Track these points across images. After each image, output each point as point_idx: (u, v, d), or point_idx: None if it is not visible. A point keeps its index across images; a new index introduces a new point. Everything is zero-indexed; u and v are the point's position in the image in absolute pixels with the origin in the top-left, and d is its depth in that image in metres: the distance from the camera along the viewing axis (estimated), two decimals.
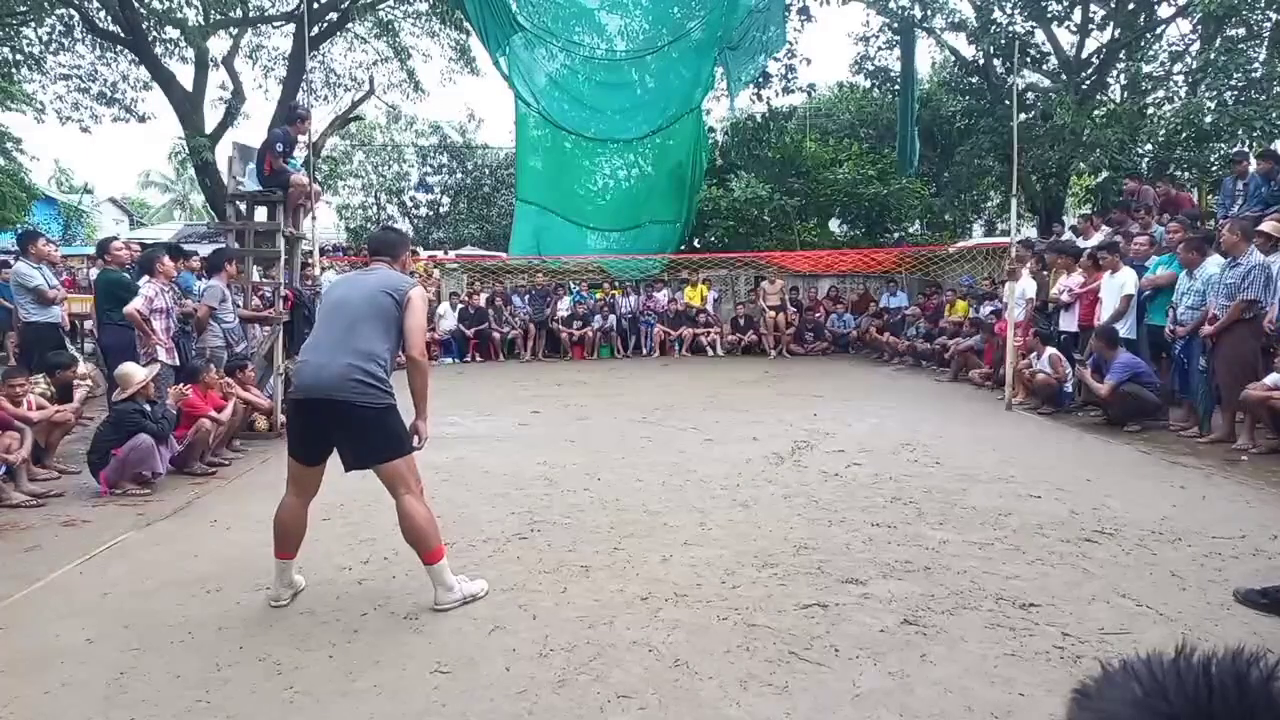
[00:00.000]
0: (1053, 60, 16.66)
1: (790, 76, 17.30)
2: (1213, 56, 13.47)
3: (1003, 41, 15.09)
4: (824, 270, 15.91)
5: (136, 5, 14.82)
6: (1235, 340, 6.06)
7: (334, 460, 3.35)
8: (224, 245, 8.30)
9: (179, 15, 15.38)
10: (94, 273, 9.01)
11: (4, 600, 3.49)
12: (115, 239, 7.90)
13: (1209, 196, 13.85)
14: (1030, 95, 16.60)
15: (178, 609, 3.37)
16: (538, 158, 15.71)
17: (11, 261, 8.52)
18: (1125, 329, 7.34)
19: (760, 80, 16.92)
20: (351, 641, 3.04)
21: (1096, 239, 9.64)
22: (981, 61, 16.65)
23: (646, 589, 3.47)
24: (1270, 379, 5.66)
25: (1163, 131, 14.38)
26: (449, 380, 10.95)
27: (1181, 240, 6.96)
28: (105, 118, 17.84)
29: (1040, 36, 16.35)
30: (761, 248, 16.68)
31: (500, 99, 33.46)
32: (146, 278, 6.53)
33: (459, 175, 23.82)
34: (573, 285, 15.26)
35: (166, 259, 6.56)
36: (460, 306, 14.26)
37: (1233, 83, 13.48)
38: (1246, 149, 11.77)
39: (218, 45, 17.44)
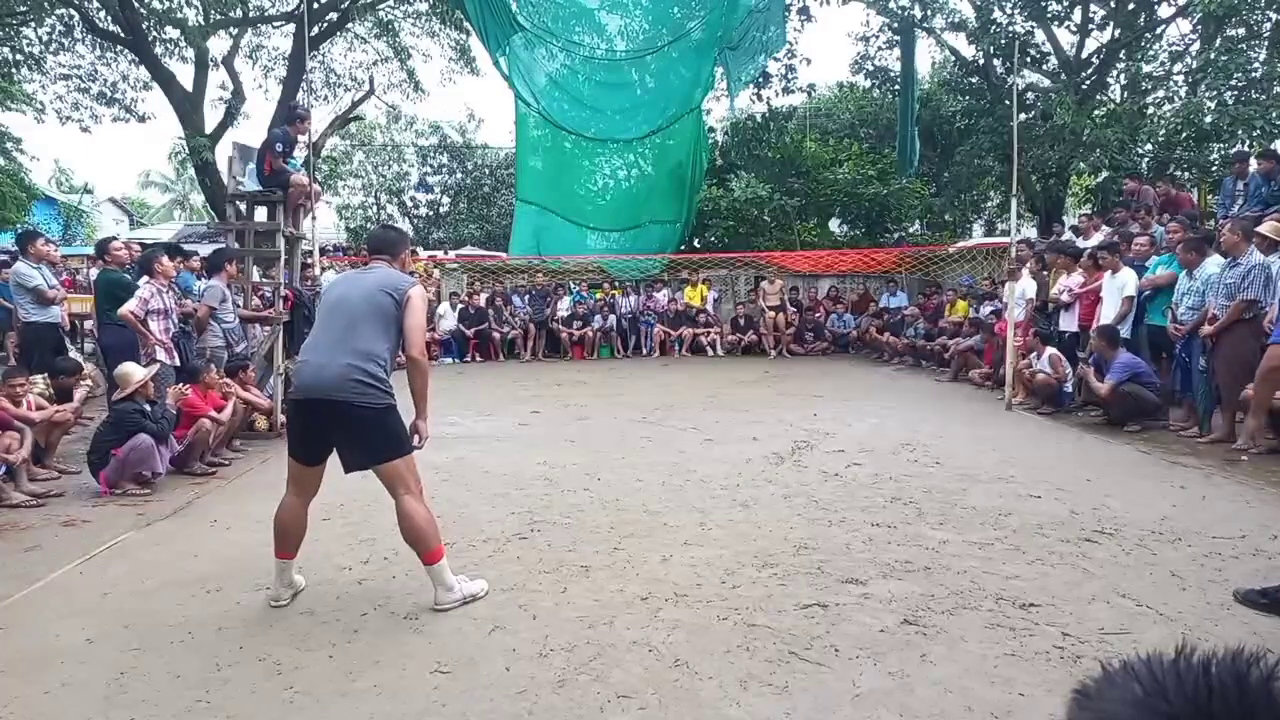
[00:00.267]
0: (1053, 60, 16.66)
1: (790, 76, 17.31)
2: (1213, 56, 13.47)
3: (1003, 41, 15.09)
4: (824, 270, 15.91)
5: (136, 5, 14.81)
6: (1235, 340, 6.05)
7: (334, 460, 3.35)
8: (224, 245, 8.30)
9: (179, 15, 15.37)
10: (94, 273, 9.01)
11: (4, 600, 3.49)
12: (114, 239, 7.90)
13: (1209, 196, 13.84)
14: (1030, 95, 16.59)
15: (178, 609, 3.37)
16: (538, 158, 15.72)
17: (11, 261, 8.52)
18: (1125, 329, 7.34)
19: (760, 80, 16.93)
20: (351, 641, 3.04)
21: (1096, 239, 9.64)
22: (981, 61, 16.65)
23: (646, 589, 3.47)
24: None
25: (1163, 131, 14.38)
26: (449, 380, 10.96)
27: (1181, 240, 6.96)
28: (105, 118, 17.87)
29: (1040, 36, 16.35)
30: (761, 248, 16.68)
31: (500, 99, 33.53)
32: (146, 278, 6.53)
33: (459, 175, 23.83)
34: (573, 285, 15.26)
35: (165, 259, 6.55)
36: (460, 306, 14.26)
37: (1233, 83, 13.47)
38: (1246, 149, 11.76)
39: (218, 45, 17.48)
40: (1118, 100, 16.39)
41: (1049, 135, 14.59)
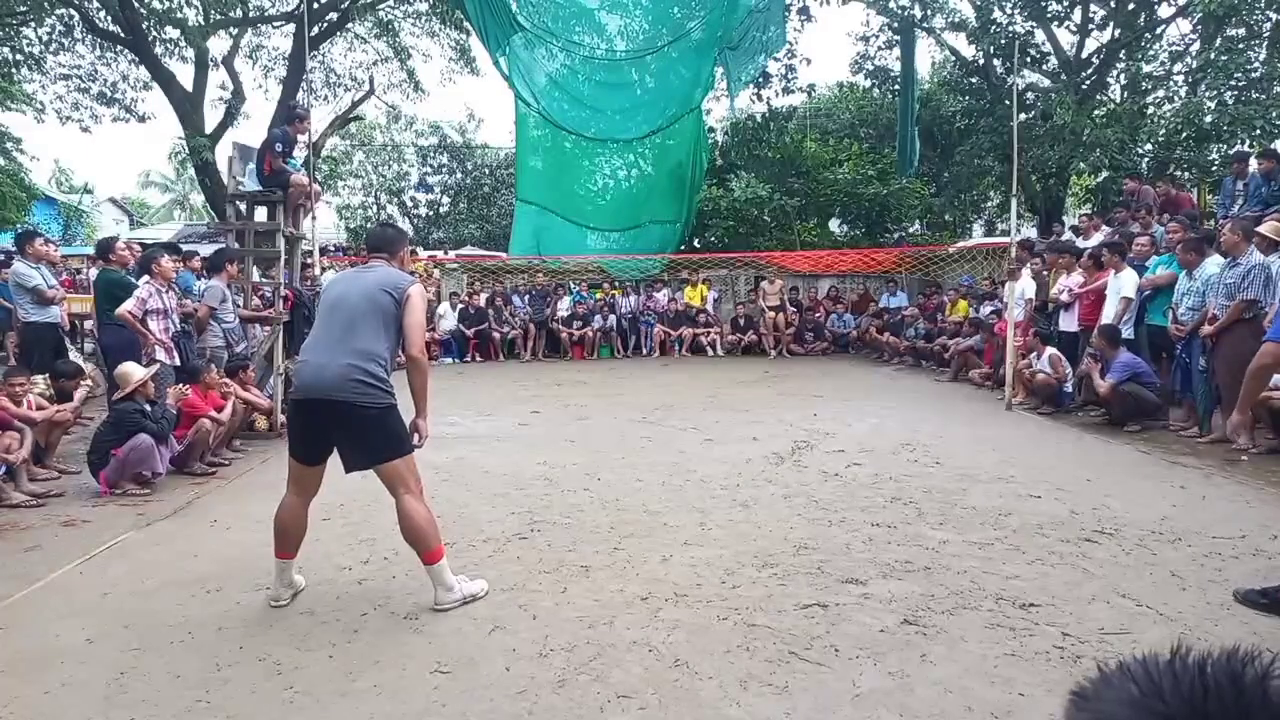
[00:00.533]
0: (1053, 60, 16.66)
1: (790, 76, 17.30)
2: (1213, 56, 13.46)
3: (1003, 41, 15.09)
4: (824, 270, 15.91)
5: (136, 5, 14.82)
6: (1235, 340, 6.04)
7: (334, 460, 3.36)
8: (224, 245, 8.30)
9: (179, 15, 15.38)
10: (94, 273, 9.01)
11: (4, 600, 3.49)
12: (116, 239, 7.90)
13: (1209, 196, 13.85)
14: (1030, 95, 16.59)
15: (178, 609, 3.37)
16: (538, 158, 15.72)
17: (11, 261, 8.52)
18: (1126, 329, 7.34)
19: (760, 80, 16.92)
20: (351, 641, 3.04)
21: (1096, 239, 9.64)
22: (981, 61, 16.65)
23: (646, 589, 3.47)
24: (1272, 379, 5.65)
25: (1163, 131, 14.38)
26: (449, 380, 10.96)
27: (1181, 240, 6.96)
28: (105, 118, 17.88)
29: (1040, 36, 16.35)
30: (761, 248, 16.69)
31: (500, 99, 33.53)
32: (145, 277, 6.53)
33: (459, 175, 23.84)
34: (573, 285, 15.26)
35: (164, 260, 6.55)
36: (460, 306, 14.26)
37: (1233, 83, 13.47)
38: (1246, 149, 11.76)
39: (218, 45, 17.49)
40: (1118, 100, 16.39)
41: (1049, 135, 14.59)
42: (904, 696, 2.55)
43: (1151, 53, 15.94)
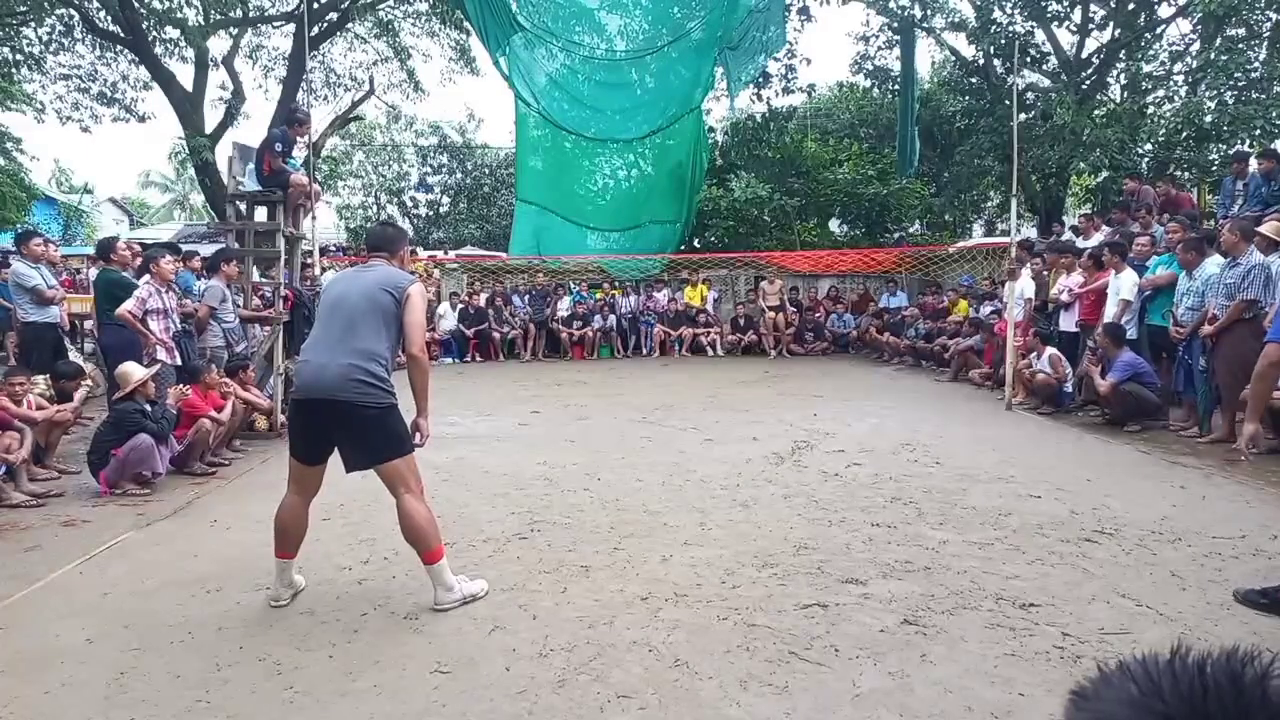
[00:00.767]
0: (1053, 60, 16.66)
1: (790, 76, 17.31)
2: (1213, 56, 13.46)
3: (1003, 41, 15.09)
4: (824, 270, 15.91)
5: (136, 5, 14.82)
6: (1235, 340, 6.04)
7: (334, 460, 3.36)
8: (224, 245, 8.30)
9: (179, 15, 15.38)
10: (93, 273, 9.01)
11: (4, 600, 3.49)
12: (116, 239, 7.90)
13: (1209, 196, 13.85)
14: (1030, 95, 16.59)
15: (178, 609, 3.37)
16: (538, 158, 15.72)
17: (12, 261, 8.53)
18: (1128, 329, 7.33)
19: (760, 80, 16.93)
20: (351, 641, 3.04)
21: (1096, 239, 9.63)
22: (981, 61, 16.65)
23: (646, 589, 3.47)
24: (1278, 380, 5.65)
25: (1163, 131, 14.38)
26: (449, 380, 10.96)
27: (1181, 240, 6.96)
28: (105, 118, 17.87)
29: (1040, 36, 16.34)
30: (761, 248, 16.69)
31: (500, 99, 33.53)
32: (145, 277, 6.53)
33: (459, 175, 23.84)
34: (573, 285, 15.26)
35: (164, 260, 6.56)
36: (460, 306, 14.26)
37: (1233, 83, 13.47)
38: (1246, 149, 11.76)
39: (218, 45, 17.48)
40: (1118, 100, 16.38)
41: (1049, 135, 14.59)
42: (904, 696, 2.55)
43: (1151, 53, 15.94)
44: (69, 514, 4.83)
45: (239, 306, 7.56)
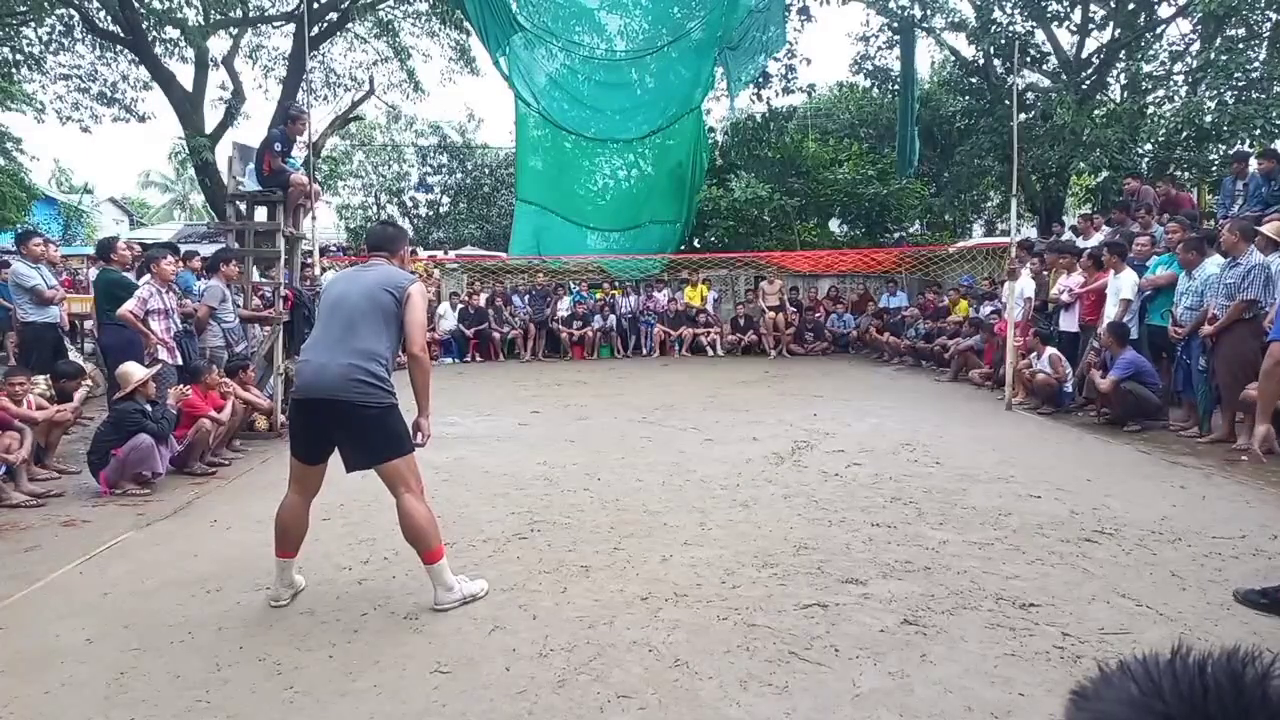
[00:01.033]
0: (1053, 60, 16.66)
1: (790, 76, 17.30)
2: (1213, 56, 13.46)
3: (1003, 41, 15.09)
4: (824, 270, 15.91)
5: (136, 5, 14.81)
6: (1235, 340, 6.05)
7: (334, 460, 3.36)
8: (224, 245, 8.30)
9: (179, 15, 15.37)
10: (93, 273, 9.02)
11: (4, 600, 3.49)
12: (116, 239, 7.91)
13: (1209, 196, 13.85)
14: (1030, 95, 16.59)
15: (178, 609, 3.37)
16: (538, 158, 15.71)
17: (11, 261, 8.53)
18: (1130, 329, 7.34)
19: (760, 80, 16.92)
20: (351, 641, 3.04)
21: (1096, 239, 9.63)
22: (981, 61, 16.64)
23: (646, 589, 3.47)
24: None
25: (1163, 131, 14.38)
26: (449, 380, 10.96)
27: (1181, 240, 6.96)
28: (105, 118, 17.87)
29: (1040, 36, 16.35)
30: (761, 248, 16.68)
31: (500, 99, 33.54)
32: (146, 277, 6.53)
33: (459, 175, 23.84)
34: (573, 285, 15.26)
35: (164, 260, 6.56)
36: (460, 306, 14.26)
37: (1233, 83, 13.47)
38: (1246, 149, 11.76)
39: (218, 45, 17.48)
40: (1118, 100, 16.38)
41: (1049, 135, 14.59)
42: (904, 696, 2.55)
43: (1151, 53, 15.94)
44: (69, 514, 4.83)
45: (239, 306, 7.56)
